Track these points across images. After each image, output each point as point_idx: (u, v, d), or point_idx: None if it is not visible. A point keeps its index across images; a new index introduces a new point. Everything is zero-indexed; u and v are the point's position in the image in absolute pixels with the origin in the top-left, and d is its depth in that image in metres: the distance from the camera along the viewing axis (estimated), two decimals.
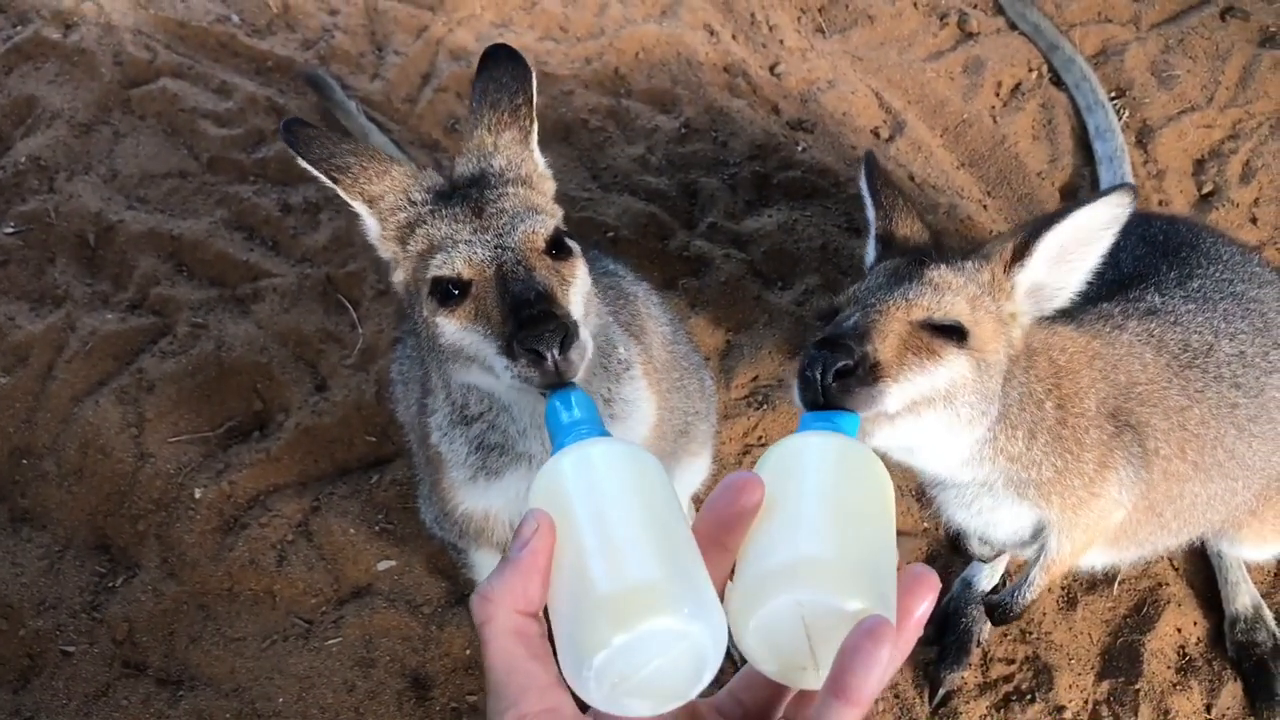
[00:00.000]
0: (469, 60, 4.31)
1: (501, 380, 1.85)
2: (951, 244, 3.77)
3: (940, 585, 1.09)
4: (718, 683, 1.10)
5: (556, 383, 1.70)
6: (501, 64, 2.19)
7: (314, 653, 2.95)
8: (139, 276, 3.63)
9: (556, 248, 1.99)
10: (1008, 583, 3.07)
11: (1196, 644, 3.00)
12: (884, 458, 2.11)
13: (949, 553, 3.10)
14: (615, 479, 1.15)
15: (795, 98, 4.27)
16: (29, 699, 2.87)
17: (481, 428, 2.22)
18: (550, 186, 2.20)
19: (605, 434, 1.26)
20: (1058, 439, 2.27)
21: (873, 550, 1.10)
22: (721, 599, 1.07)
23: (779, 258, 3.77)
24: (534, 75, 2.19)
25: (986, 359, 2.03)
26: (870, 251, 2.35)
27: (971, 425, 2.07)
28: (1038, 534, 2.44)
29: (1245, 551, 2.90)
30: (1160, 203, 3.89)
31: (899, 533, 3.16)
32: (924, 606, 1.07)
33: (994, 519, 2.41)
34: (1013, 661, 2.97)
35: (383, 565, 3.11)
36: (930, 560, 3.15)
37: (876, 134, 4.18)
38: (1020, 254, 2.12)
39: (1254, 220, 3.85)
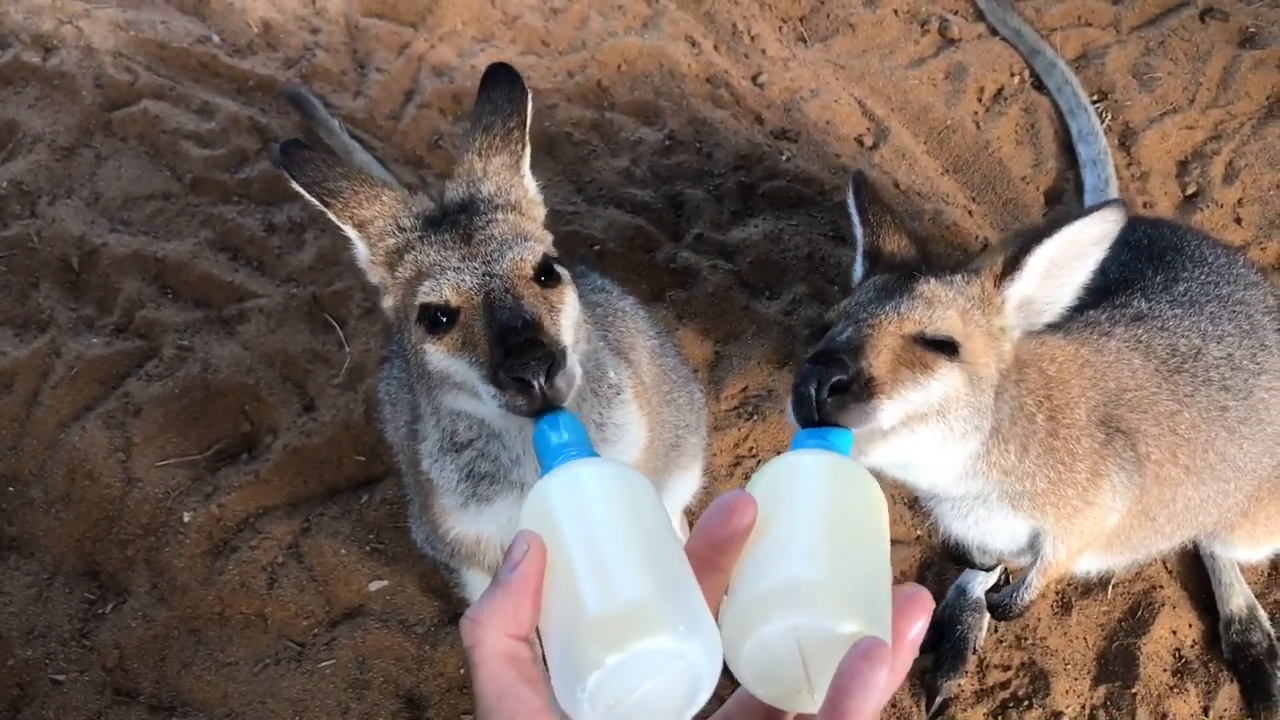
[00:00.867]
0: (451, 76, 4.30)
1: (489, 408, 1.84)
2: (937, 250, 3.77)
3: (934, 605, 1.08)
4: (718, 698, 1.09)
5: (544, 410, 1.69)
6: (499, 85, 2.18)
7: (307, 675, 2.93)
8: (123, 300, 3.61)
9: (545, 274, 1.98)
10: (1009, 580, 3.06)
11: (1192, 646, 3.00)
12: (879, 474, 2.13)
13: (943, 560, 3.09)
14: (605, 499, 1.14)
15: (778, 107, 4.27)
16: None
17: (472, 455, 2.21)
18: (540, 212, 2.20)
19: (594, 455, 1.26)
20: (1050, 450, 2.27)
21: (867, 571, 1.09)
22: (717, 620, 1.06)
23: (766, 268, 3.76)
24: (530, 97, 2.18)
25: (979, 372, 2.03)
26: (858, 268, 2.35)
27: (965, 439, 2.06)
28: (1034, 542, 2.44)
29: (1238, 552, 2.91)
30: (1145, 205, 3.90)
31: (892, 542, 3.14)
32: (918, 627, 1.06)
33: (990, 529, 2.41)
34: (1009, 668, 2.96)
35: (374, 585, 3.09)
36: (924, 568, 3.15)
37: (860, 142, 4.18)
38: (1010, 268, 2.11)
39: (1238, 220, 3.86)
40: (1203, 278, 2.70)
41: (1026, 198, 4.00)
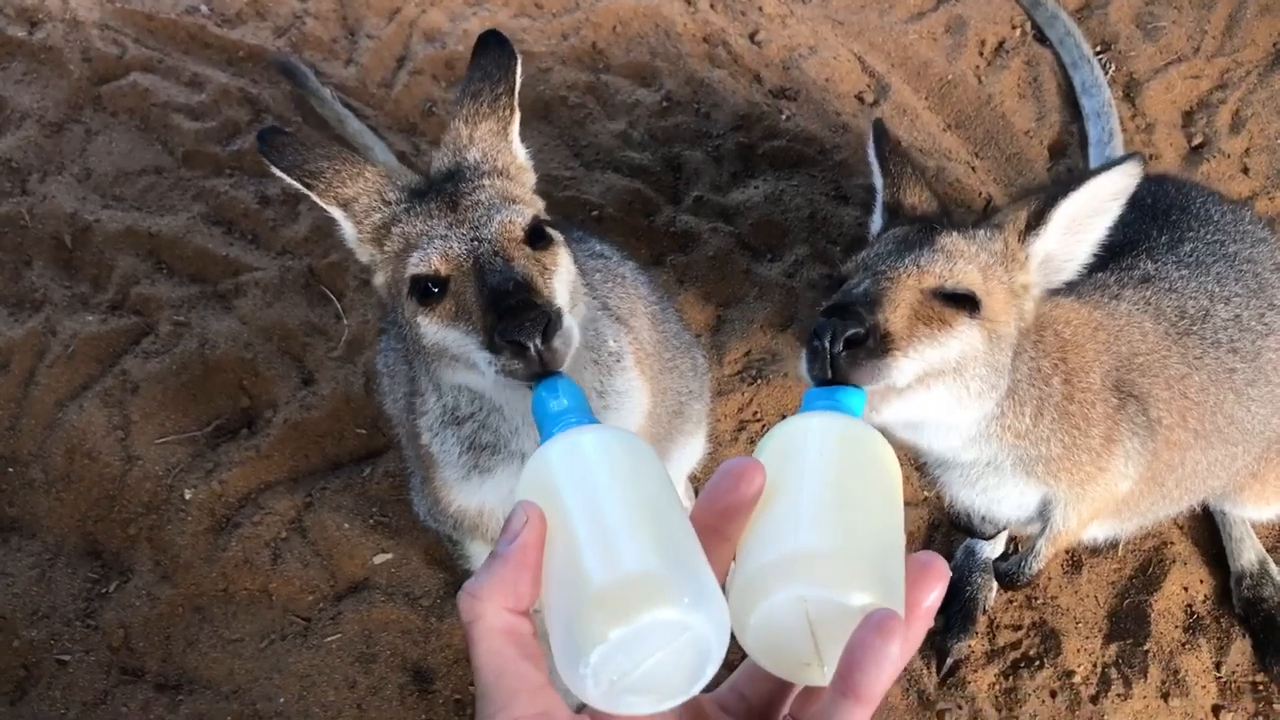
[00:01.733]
0: (443, 41, 4.24)
1: (487, 377, 1.80)
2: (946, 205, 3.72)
3: (949, 573, 1.04)
4: (728, 666, 1.06)
5: (542, 373, 1.65)
6: (489, 51, 2.15)
7: (313, 650, 2.92)
8: (118, 276, 3.57)
9: (536, 237, 1.94)
10: (1018, 548, 3.04)
11: (1203, 602, 2.98)
12: (887, 435, 2.09)
13: (951, 522, 3.06)
14: (607, 467, 1.10)
15: (777, 65, 4.21)
16: (26, 710, 2.83)
17: (473, 427, 2.18)
18: (530, 178, 2.16)
19: (594, 422, 1.22)
20: (1065, 414, 2.23)
21: (879, 539, 1.05)
22: (724, 590, 1.03)
23: (767, 229, 3.72)
24: (519, 63, 2.14)
25: (998, 330, 1.99)
26: (876, 220, 2.30)
27: (980, 399, 2.02)
28: (1043, 510, 2.40)
29: (1248, 512, 2.89)
30: (1151, 156, 3.84)
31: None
32: (933, 596, 1.02)
33: (999, 496, 2.37)
34: (1019, 628, 2.94)
35: (379, 559, 3.07)
36: (933, 529, 3.12)
37: (861, 99, 4.12)
38: (1035, 223, 2.07)
39: (1245, 170, 3.81)
40: (1209, 236, 2.66)
41: (1030, 152, 3.94)
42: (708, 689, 1.06)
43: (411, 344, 2.04)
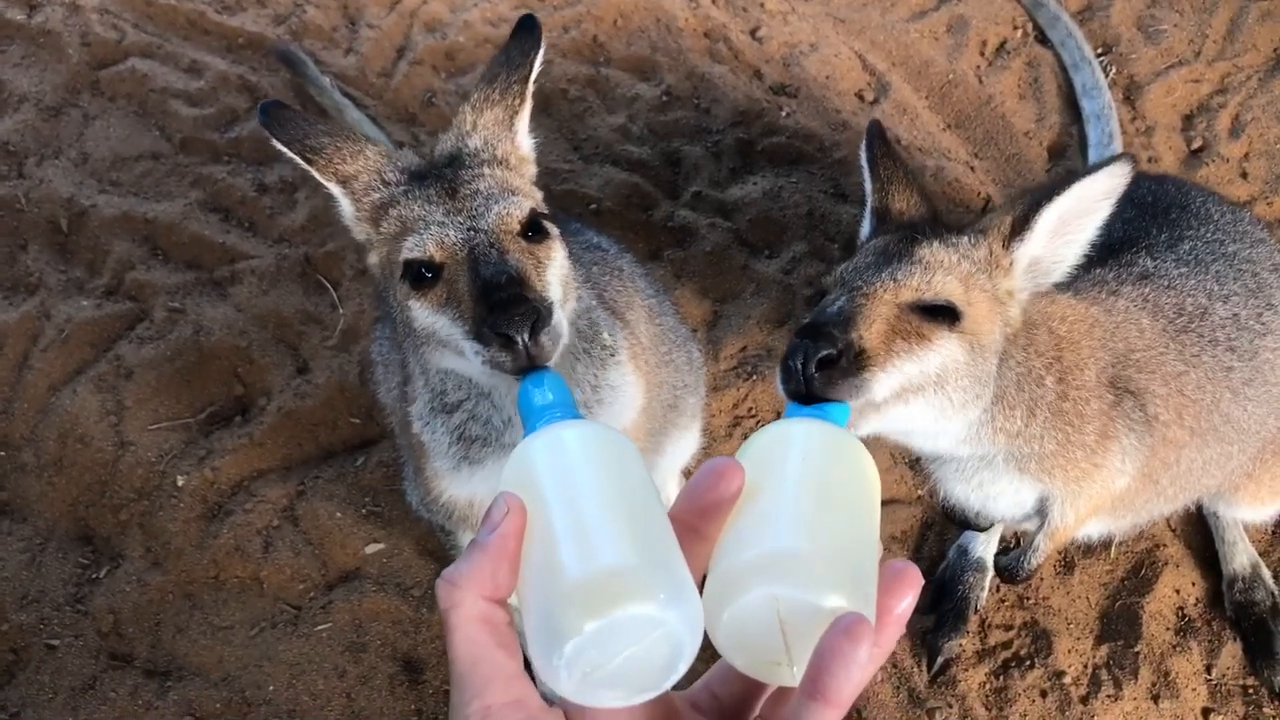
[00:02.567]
0: (444, 32, 4.23)
1: (473, 365, 1.81)
2: (940, 207, 3.72)
3: (923, 581, 1.05)
4: (705, 660, 1.06)
5: (529, 367, 1.66)
6: (519, 36, 2.14)
7: (303, 639, 2.91)
8: (114, 262, 3.56)
9: (533, 230, 1.94)
10: (1019, 542, 3.04)
11: (1195, 605, 2.98)
12: (879, 436, 2.10)
13: (944, 520, 3.06)
14: (588, 462, 1.11)
15: (777, 62, 4.20)
16: (14, 694, 2.82)
17: (462, 417, 2.18)
18: (531, 170, 2.16)
19: (579, 417, 1.24)
20: (1059, 413, 2.22)
21: (853, 544, 1.06)
22: (700, 589, 1.03)
23: (765, 225, 3.71)
24: (539, 53, 2.13)
25: (980, 340, 1.97)
26: (865, 226, 2.29)
27: (964, 409, 2.01)
28: (1041, 506, 2.40)
29: (1242, 513, 2.88)
30: (1150, 159, 3.84)
31: (893, 501, 3.13)
32: (905, 603, 1.03)
33: (994, 492, 2.37)
34: (1011, 628, 2.94)
35: (371, 549, 3.07)
36: (925, 528, 3.12)
37: (861, 97, 4.12)
38: (1020, 228, 2.05)
39: (1244, 175, 3.81)
40: (1208, 235, 2.65)
41: (1029, 153, 3.94)
42: (680, 686, 1.07)
43: (402, 327, 2.04)
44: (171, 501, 3.12)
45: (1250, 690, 2.85)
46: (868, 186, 2.29)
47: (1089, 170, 2.03)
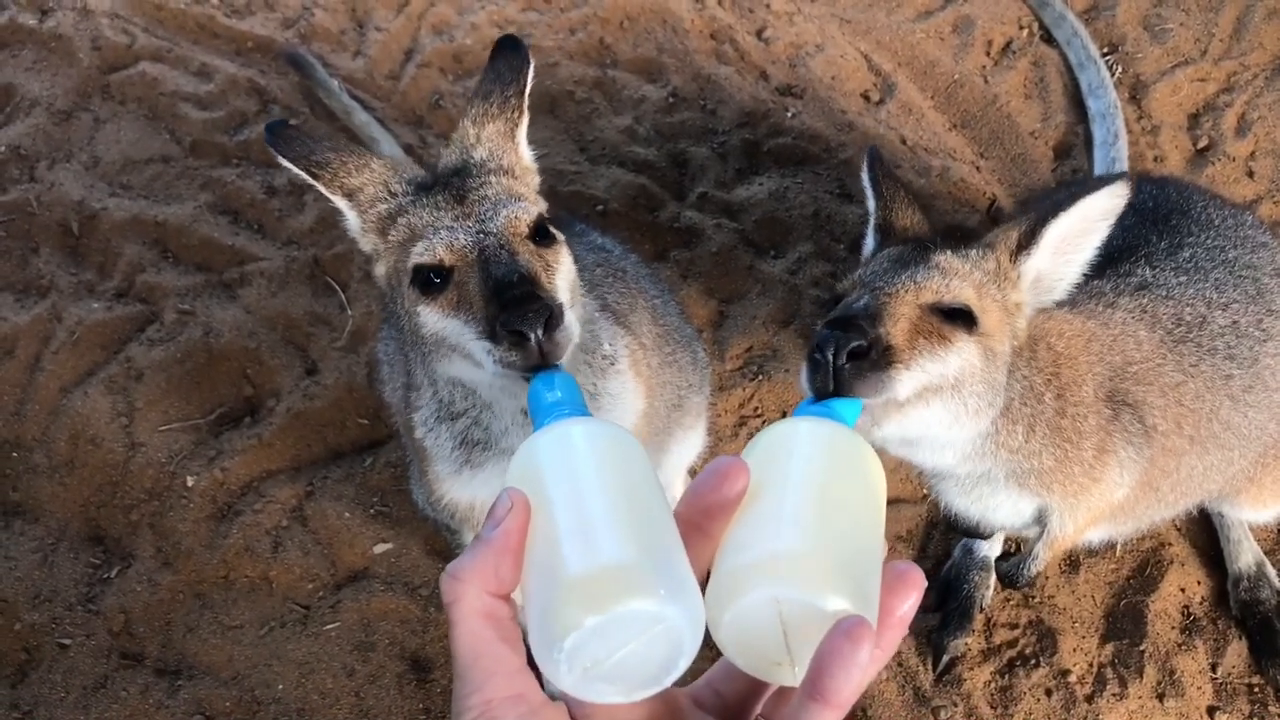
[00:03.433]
0: (451, 35, 4.25)
1: (485, 368, 1.82)
2: (945, 207, 3.73)
3: (925, 583, 1.06)
4: (708, 660, 1.07)
5: (540, 365, 1.67)
6: (503, 55, 2.18)
7: (312, 638, 2.93)
8: (124, 264, 3.59)
9: (540, 234, 1.96)
10: (1020, 548, 3.05)
11: (1200, 604, 2.98)
12: (881, 451, 2.11)
13: (949, 519, 3.07)
14: (594, 458, 1.11)
15: (783, 63, 4.21)
16: (27, 693, 2.85)
17: (466, 423, 2.21)
18: (534, 180, 2.19)
19: (587, 414, 1.23)
20: (1056, 430, 2.24)
21: (857, 546, 1.06)
22: (704, 588, 1.04)
23: (771, 226, 3.72)
24: (531, 68, 2.17)
25: (994, 347, 2.01)
26: (869, 242, 2.33)
27: (977, 416, 2.03)
28: (1041, 516, 2.42)
29: (1245, 514, 2.89)
30: (1155, 159, 3.84)
31: (898, 500, 3.13)
32: (907, 606, 1.04)
33: (993, 505, 2.39)
34: (1016, 626, 2.95)
35: (379, 548, 3.09)
36: (930, 527, 3.13)
37: (867, 97, 4.13)
38: (1026, 242, 2.09)
39: (1250, 174, 3.80)
40: (1209, 242, 2.66)
41: (1035, 153, 3.94)
42: (683, 683, 1.07)
43: (409, 335, 2.06)
44: (182, 502, 3.14)
45: (1255, 689, 2.85)
46: (870, 205, 2.32)
47: (1091, 188, 2.05)
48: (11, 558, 3.05)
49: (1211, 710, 2.82)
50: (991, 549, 2.99)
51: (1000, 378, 2.05)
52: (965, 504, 2.42)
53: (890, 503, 3.04)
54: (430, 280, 1.91)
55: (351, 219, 2.10)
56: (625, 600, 0.97)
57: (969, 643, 2.92)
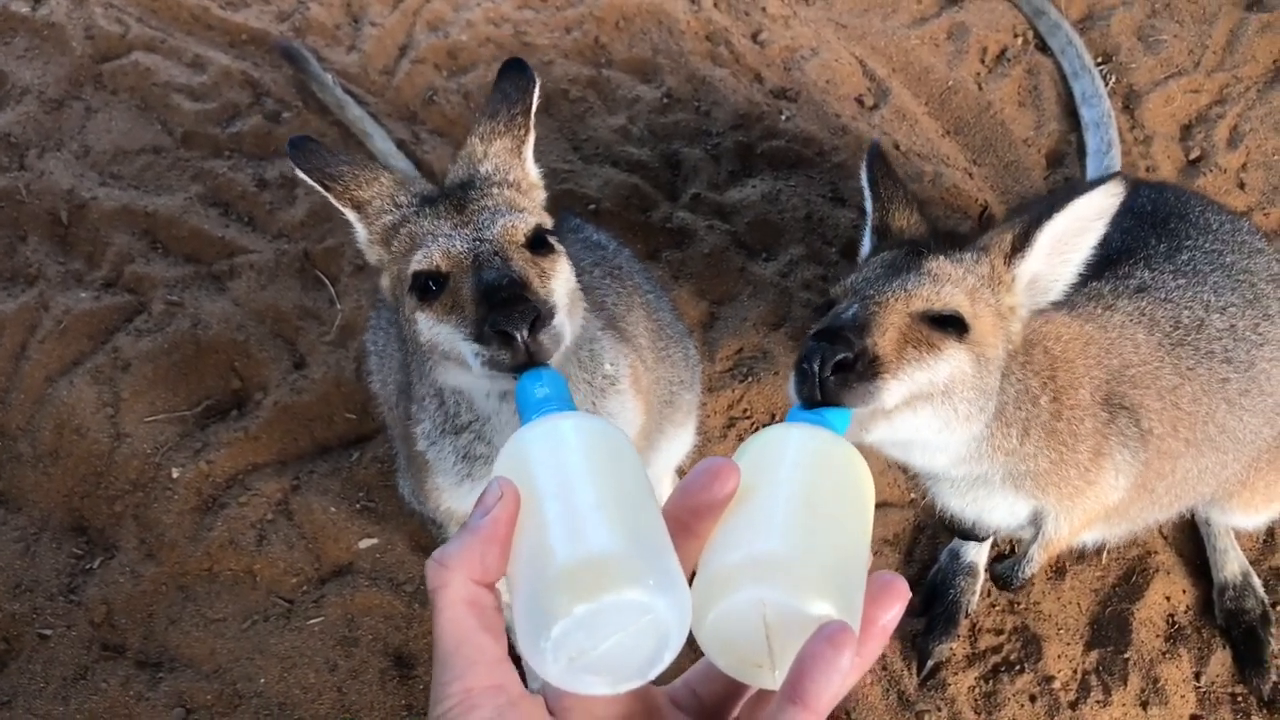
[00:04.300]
0: (446, 31, 4.24)
1: (474, 371, 1.83)
2: (937, 213, 3.73)
3: (910, 595, 1.06)
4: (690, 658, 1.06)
5: (527, 364, 1.68)
6: (510, 76, 2.21)
7: (295, 632, 2.92)
8: (113, 254, 3.57)
9: (538, 244, 1.98)
10: (1015, 550, 3.05)
11: (1185, 612, 2.99)
12: (875, 451, 2.11)
13: (936, 524, 3.07)
14: (582, 450, 1.11)
15: (778, 66, 4.21)
16: (6, 683, 2.83)
17: (469, 438, 2.24)
18: (540, 195, 2.22)
19: (574, 409, 1.23)
20: (1052, 433, 2.24)
21: (843, 553, 1.06)
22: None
23: (763, 228, 3.72)
24: (537, 87, 2.19)
25: (986, 354, 2.00)
26: (865, 243, 2.32)
27: (968, 421, 2.03)
28: (1035, 517, 2.41)
29: (1235, 519, 2.88)
30: (1148, 169, 3.85)
31: (885, 504, 3.13)
32: (891, 615, 1.04)
33: (989, 506, 2.39)
34: (1001, 632, 2.95)
35: (364, 544, 3.07)
36: (917, 531, 3.13)
37: (861, 102, 4.13)
38: (1021, 244, 2.08)
39: (1241, 185, 3.82)
40: (1207, 246, 2.66)
41: (1028, 160, 3.95)
42: (662, 682, 1.07)
43: (410, 344, 2.09)
44: (166, 494, 3.12)
45: (1239, 698, 2.86)
46: (868, 206, 2.32)
47: (1086, 188, 2.05)
48: None
49: (1195, 719, 2.82)
50: (978, 554, 2.99)
51: (993, 382, 2.05)
52: (961, 505, 2.42)
53: (878, 506, 3.02)
54: (428, 287, 1.94)
55: (360, 230, 2.14)
56: (614, 589, 0.96)
57: (954, 648, 2.92)
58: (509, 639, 1.06)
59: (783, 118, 4.04)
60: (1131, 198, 2.81)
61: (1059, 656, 2.90)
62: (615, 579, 0.97)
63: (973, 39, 4.25)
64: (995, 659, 2.91)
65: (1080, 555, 3.03)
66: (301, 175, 2.11)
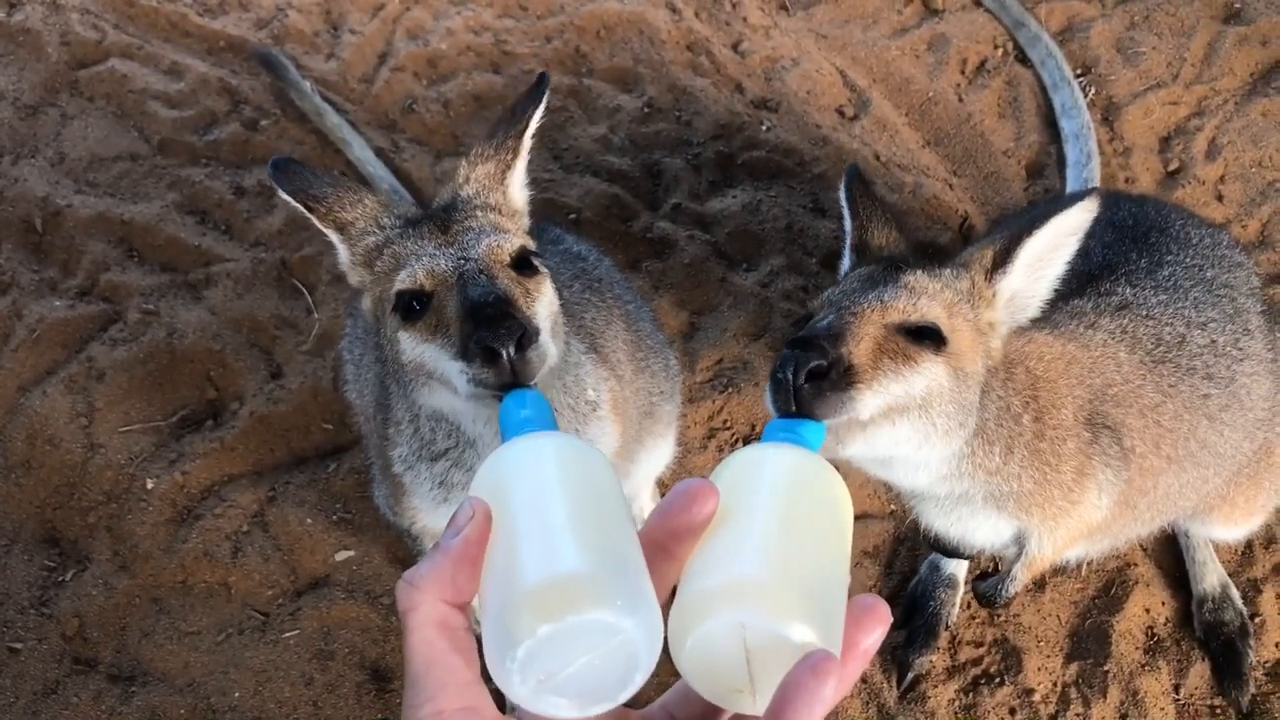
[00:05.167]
0: (426, 39, 4.22)
1: (460, 391, 1.81)
2: (917, 224, 3.74)
3: (891, 619, 1.05)
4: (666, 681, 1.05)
5: (513, 384, 1.66)
6: (529, 93, 2.21)
7: (271, 646, 2.89)
8: (88, 262, 3.54)
9: (523, 265, 1.97)
10: (998, 568, 3.04)
11: (1165, 624, 2.99)
12: (859, 472, 2.10)
13: (916, 536, 3.06)
14: (557, 469, 1.10)
15: (759, 76, 4.21)
16: None
17: (446, 465, 2.23)
18: (524, 221, 2.21)
19: (555, 430, 1.23)
20: (1035, 453, 2.24)
21: (822, 576, 1.05)
22: (667, 610, 1.03)
23: (744, 239, 3.72)
24: (539, 109, 2.18)
25: (964, 368, 1.99)
26: (845, 261, 2.32)
27: (948, 437, 2.02)
28: (1019, 536, 2.41)
29: (1215, 532, 2.89)
30: (1127, 180, 3.87)
31: (865, 516, 3.13)
32: (873, 638, 1.03)
33: (972, 526, 2.38)
34: (981, 644, 2.94)
35: (341, 556, 3.05)
36: (898, 542, 3.12)
37: (841, 113, 4.13)
38: (1001, 260, 2.08)
39: (1220, 198, 3.83)
40: (1188, 261, 2.66)
41: (1008, 172, 3.96)
42: (638, 705, 1.06)
43: (391, 365, 2.07)
44: (140, 505, 3.09)
45: (1218, 710, 2.86)
46: (847, 224, 2.32)
47: (1064, 204, 2.05)
48: None
49: None
50: (958, 567, 2.99)
51: (972, 398, 2.04)
52: (945, 525, 2.41)
53: (857, 518, 3.03)
54: (411, 306, 1.93)
55: (342, 252, 2.13)
56: (580, 610, 0.95)
57: (934, 660, 2.91)
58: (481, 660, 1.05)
59: (763, 128, 4.04)
60: (1113, 211, 2.81)
61: (1039, 669, 2.90)
62: (582, 599, 0.96)
63: (953, 50, 4.26)
64: (975, 671, 2.90)
65: (1060, 568, 3.03)
66: (284, 197, 2.09)
